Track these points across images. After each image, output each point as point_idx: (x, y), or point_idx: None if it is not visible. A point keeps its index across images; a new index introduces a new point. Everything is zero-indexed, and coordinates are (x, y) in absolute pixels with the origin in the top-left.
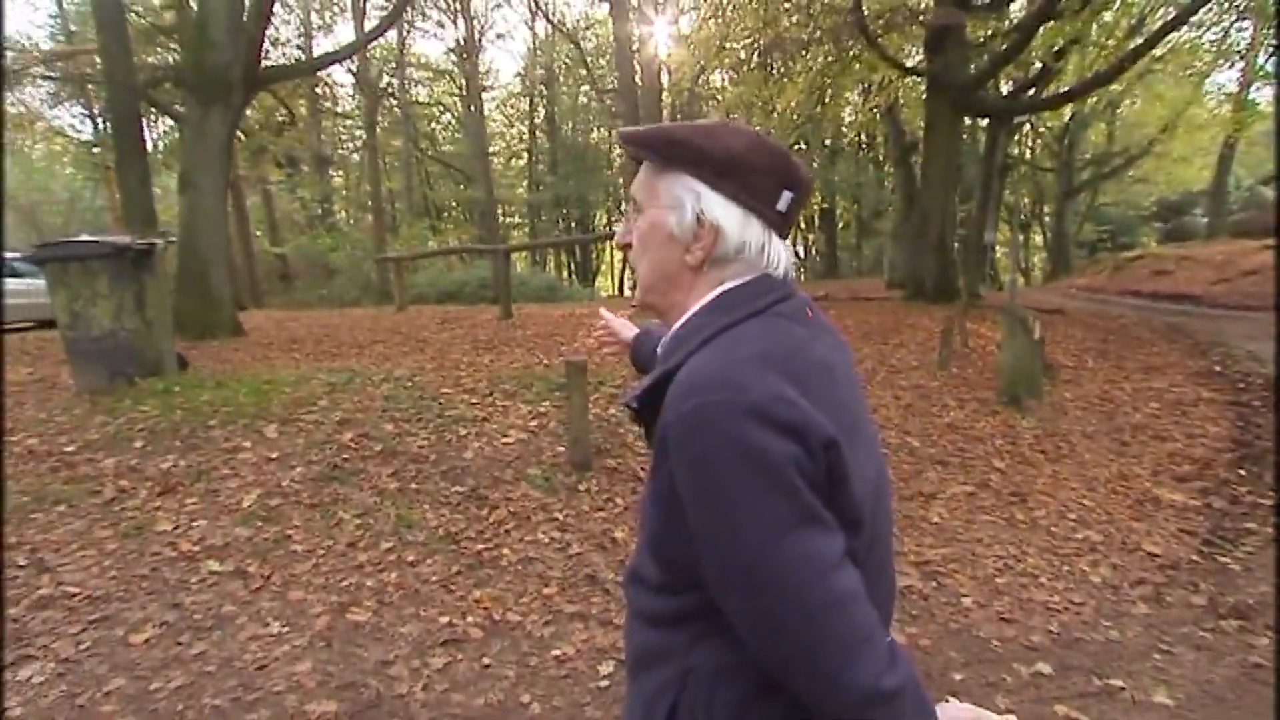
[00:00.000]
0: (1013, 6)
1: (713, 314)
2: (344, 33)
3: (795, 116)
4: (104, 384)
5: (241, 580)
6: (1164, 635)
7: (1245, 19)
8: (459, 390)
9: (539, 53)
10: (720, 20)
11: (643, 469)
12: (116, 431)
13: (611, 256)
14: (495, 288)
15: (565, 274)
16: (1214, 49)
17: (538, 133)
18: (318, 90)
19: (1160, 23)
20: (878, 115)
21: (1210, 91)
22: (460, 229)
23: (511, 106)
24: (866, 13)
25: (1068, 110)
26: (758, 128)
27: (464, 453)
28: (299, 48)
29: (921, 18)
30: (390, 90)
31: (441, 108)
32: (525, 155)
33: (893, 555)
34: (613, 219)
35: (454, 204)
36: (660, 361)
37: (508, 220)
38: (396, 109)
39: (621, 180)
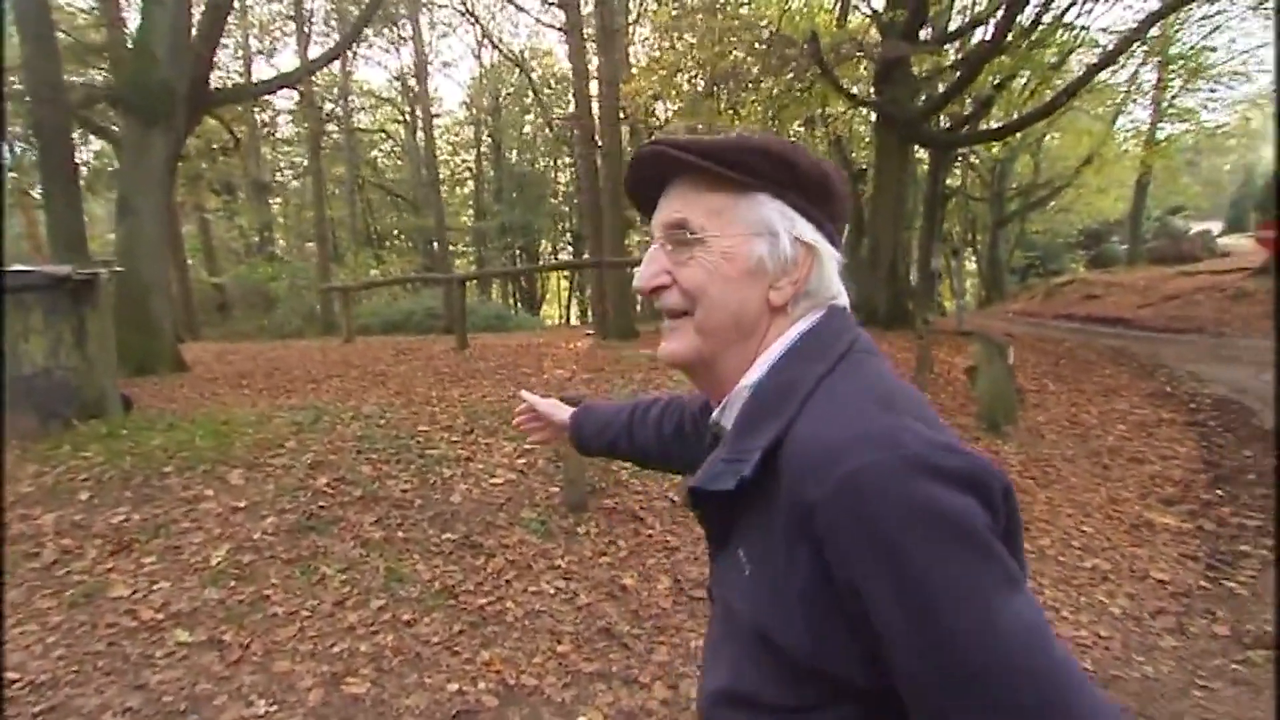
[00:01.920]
0: (953, 42)
1: (803, 363)
2: (283, 59)
3: None
4: (36, 428)
5: (216, 651)
6: (1198, 670)
7: (1151, 60)
8: (436, 428)
9: (485, 80)
10: (673, 50)
11: (641, 507)
12: (55, 483)
13: (557, 285)
14: (447, 317)
15: (512, 302)
16: (1125, 88)
17: (484, 160)
18: (258, 115)
19: (1079, 63)
20: (827, 146)
21: (1123, 128)
22: (404, 258)
23: (455, 134)
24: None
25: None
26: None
27: (451, 496)
28: (237, 72)
29: (862, 51)
30: (335, 116)
31: (384, 134)
32: (471, 183)
33: None
34: (558, 247)
35: (396, 232)
36: (741, 429)
37: (452, 248)
38: (338, 135)
39: (567, 208)
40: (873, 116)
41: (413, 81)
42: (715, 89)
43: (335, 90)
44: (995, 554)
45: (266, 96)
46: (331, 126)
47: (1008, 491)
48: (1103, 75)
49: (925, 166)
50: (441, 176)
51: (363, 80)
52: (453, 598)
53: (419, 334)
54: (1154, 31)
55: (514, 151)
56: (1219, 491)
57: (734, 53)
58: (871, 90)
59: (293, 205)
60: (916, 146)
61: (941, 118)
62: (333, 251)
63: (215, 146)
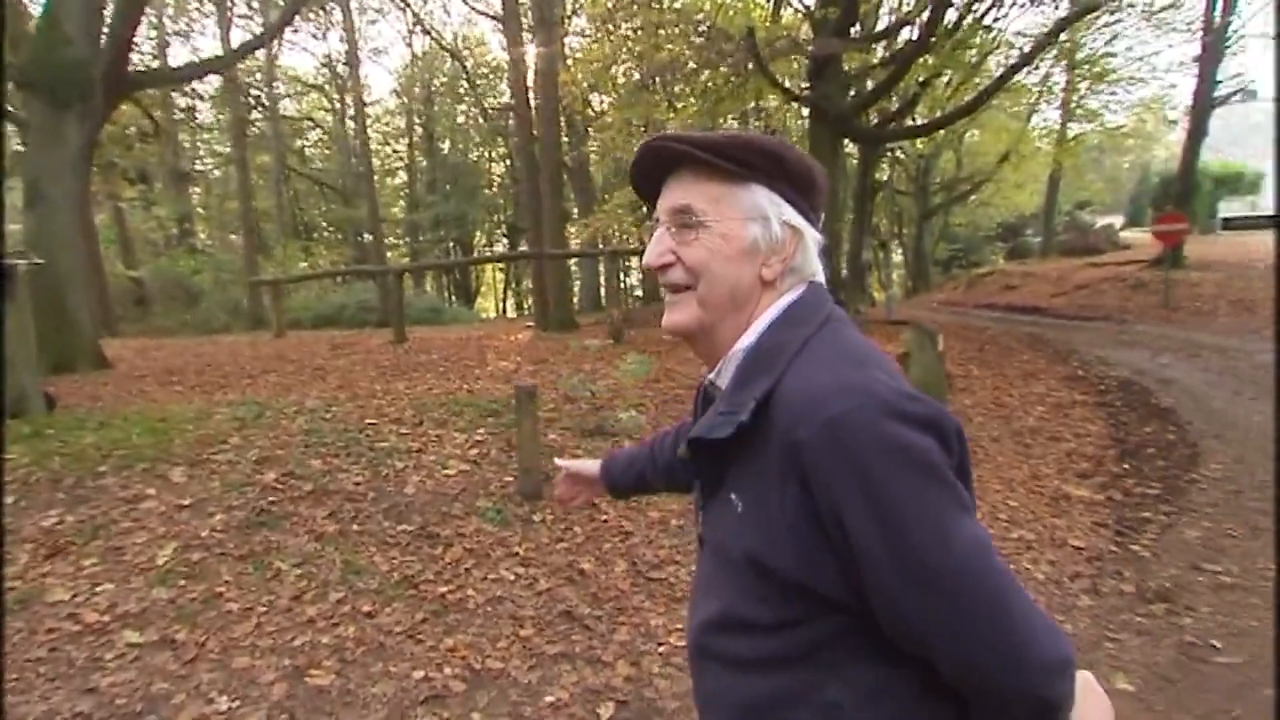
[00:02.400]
0: (882, 41)
1: (789, 328)
2: (200, 41)
3: None
4: None
5: (170, 651)
6: (1109, 624)
7: (1060, 64)
8: (385, 421)
9: (417, 69)
10: (610, 42)
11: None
12: None
13: (492, 277)
14: (381, 311)
15: (446, 295)
16: (1038, 89)
17: (416, 151)
18: (177, 101)
19: (997, 64)
20: None
21: (1037, 127)
22: (334, 250)
23: (386, 123)
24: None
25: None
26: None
27: (404, 488)
28: (150, 53)
29: (796, 48)
30: (259, 103)
31: (312, 123)
32: (403, 174)
33: None
34: (492, 239)
35: (326, 224)
36: (737, 385)
37: (384, 240)
38: (263, 123)
39: (502, 200)
40: (805, 111)
41: (342, 68)
42: (651, 81)
43: (259, 76)
44: (950, 483)
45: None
46: (256, 114)
47: (959, 434)
48: (1018, 76)
49: (854, 161)
50: (373, 167)
51: (289, 66)
52: (413, 587)
53: (353, 328)
54: (1063, 37)
55: (447, 142)
56: (1125, 465)
57: (670, 46)
58: (804, 86)
59: (215, 195)
60: (847, 141)
61: (871, 114)
62: (259, 243)
63: (131, 131)
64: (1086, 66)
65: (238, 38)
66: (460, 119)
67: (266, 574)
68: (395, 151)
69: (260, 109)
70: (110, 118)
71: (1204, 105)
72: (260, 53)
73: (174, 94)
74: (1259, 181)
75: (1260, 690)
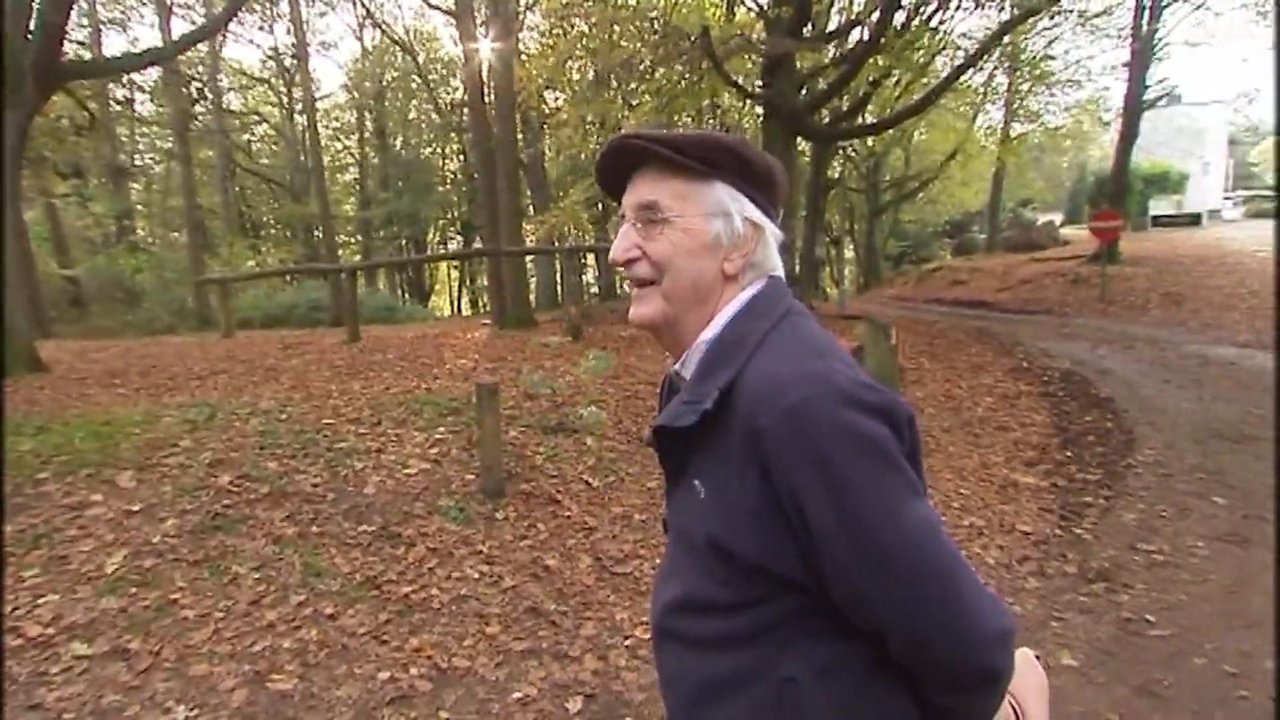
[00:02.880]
0: (834, 40)
1: (751, 321)
2: (140, 31)
3: None
4: None
5: (123, 662)
6: (1054, 604)
7: (1003, 65)
8: (342, 421)
9: (368, 63)
10: (565, 39)
11: (558, 491)
12: None
13: (447, 274)
14: (333, 310)
15: (400, 293)
16: (983, 89)
17: (367, 147)
18: (115, 92)
19: (944, 65)
20: None
21: (982, 126)
22: (283, 248)
23: (337, 118)
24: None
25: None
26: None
27: (364, 488)
28: (80, 41)
29: (750, 46)
30: (203, 96)
31: (259, 118)
32: (354, 170)
33: None
34: (446, 236)
35: (274, 221)
36: (700, 375)
37: (335, 238)
38: (207, 117)
39: (455, 197)
40: (760, 109)
41: (290, 62)
42: (607, 79)
43: (202, 69)
44: (902, 468)
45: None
46: (199, 107)
47: (911, 421)
48: (964, 77)
49: (807, 158)
50: (323, 163)
51: (234, 59)
52: (376, 588)
53: (304, 327)
54: (1005, 40)
55: (399, 137)
56: (1068, 453)
57: (625, 43)
58: (759, 84)
59: (156, 192)
60: (800, 139)
61: (823, 112)
62: (205, 241)
63: (64, 123)
64: (1028, 68)
65: (179, 28)
66: (413, 115)
67: (223, 579)
68: (346, 147)
69: (204, 102)
70: (41, 109)
71: (1134, 108)
72: (203, 44)
73: (111, 86)
74: (1184, 181)
75: (1190, 659)
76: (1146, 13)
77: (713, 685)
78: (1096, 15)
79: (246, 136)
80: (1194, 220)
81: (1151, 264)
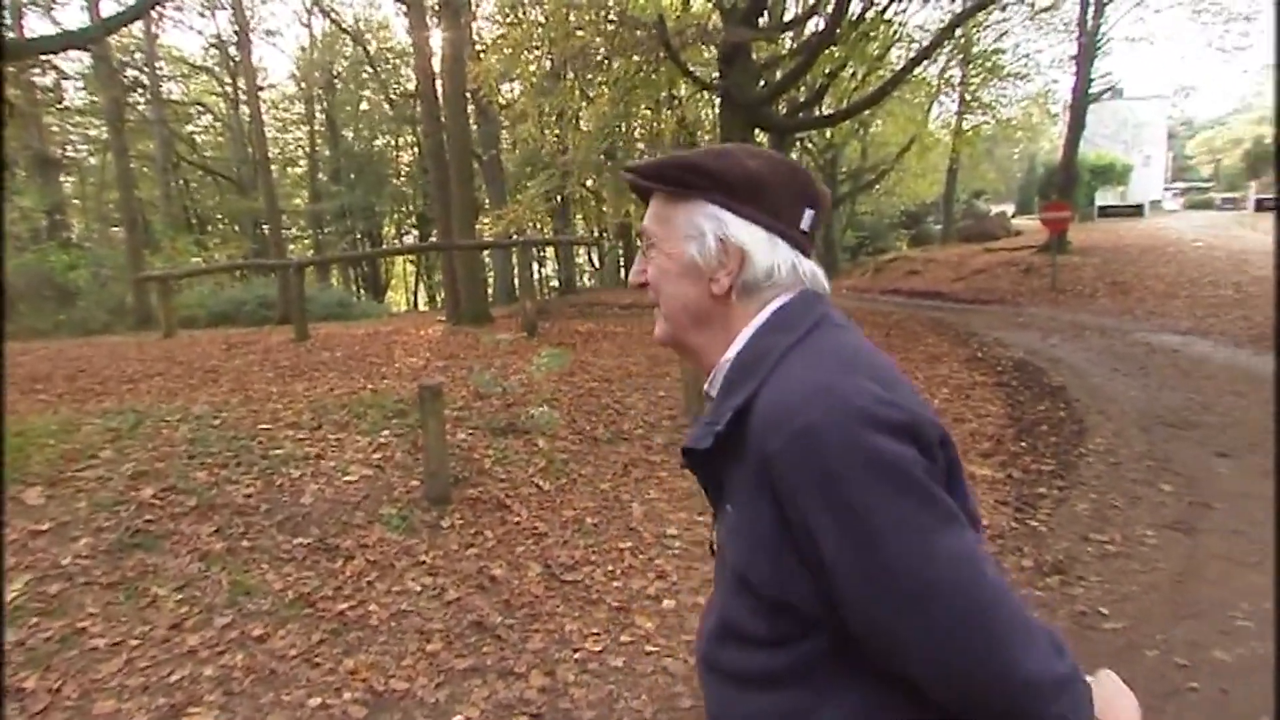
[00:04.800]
0: (790, 31)
1: (774, 335)
2: (64, 15)
3: (603, 129)
4: None
5: (15, 703)
6: None
7: (957, 58)
8: (280, 425)
9: (316, 53)
10: (520, 29)
11: (507, 495)
12: None
13: (404, 269)
14: (283, 307)
15: (355, 288)
16: (937, 82)
17: (317, 139)
18: (39, 79)
19: (899, 57)
20: (677, 129)
21: (936, 118)
22: (230, 243)
23: (285, 109)
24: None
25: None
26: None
27: (301, 497)
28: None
29: (707, 36)
30: (139, 84)
31: (201, 108)
32: (304, 162)
33: None
34: (402, 230)
35: (220, 216)
36: (722, 394)
37: (286, 233)
38: (144, 107)
39: (410, 190)
40: (718, 100)
41: (233, 50)
42: (564, 70)
43: (139, 55)
44: (929, 493)
45: (50, 56)
46: (135, 96)
47: (944, 440)
48: (918, 69)
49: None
50: (271, 155)
51: (172, 45)
52: (309, 606)
53: (252, 325)
54: (958, 33)
55: (351, 129)
56: (1022, 443)
57: (581, 33)
58: (716, 75)
59: (91, 184)
60: (758, 130)
61: (780, 103)
62: (146, 237)
63: None
64: (980, 61)
65: (109, 10)
66: (364, 106)
67: (140, 602)
68: (295, 139)
69: (140, 91)
70: None
71: (1081, 101)
72: (138, 29)
73: (35, 71)
74: (1127, 173)
75: (1142, 652)
76: (1091, 8)
77: None
78: (1045, 9)
79: (189, 128)
80: (1137, 210)
81: (1099, 254)
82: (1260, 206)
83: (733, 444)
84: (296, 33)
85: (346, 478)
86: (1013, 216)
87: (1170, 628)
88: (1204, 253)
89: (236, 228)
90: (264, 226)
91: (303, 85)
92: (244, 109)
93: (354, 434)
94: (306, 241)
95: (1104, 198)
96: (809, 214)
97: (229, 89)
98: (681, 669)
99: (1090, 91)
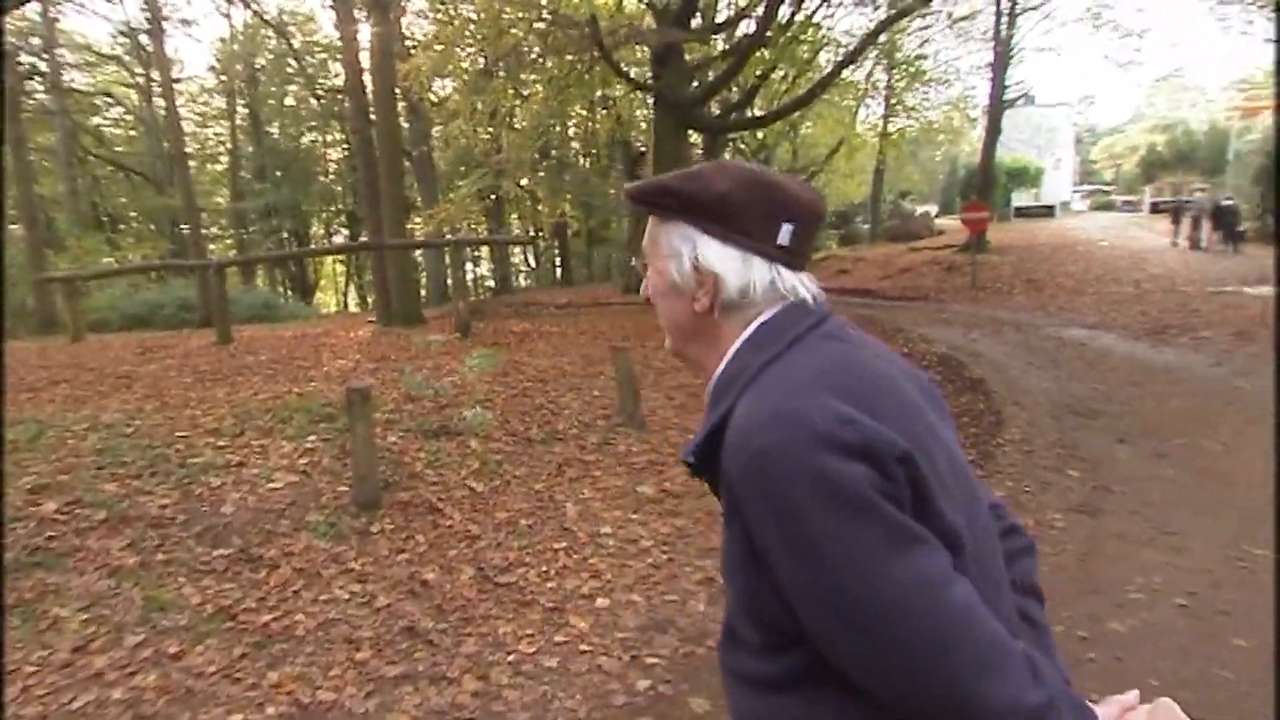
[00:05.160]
0: (722, 33)
1: (753, 352)
2: None
3: (537, 128)
4: None
5: None
6: None
7: (882, 63)
8: (199, 433)
9: (237, 45)
10: (452, 26)
11: (439, 498)
12: None
13: (333, 270)
14: (204, 309)
15: (281, 289)
16: (863, 85)
17: (240, 134)
18: None
19: (828, 61)
20: (612, 128)
21: (863, 121)
22: (146, 242)
23: (204, 103)
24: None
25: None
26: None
27: (222, 507)
28: None
29: (639, 37)
30: (37, 72)
31: (110, 99)
32: (225, 159)
33: (1002, 572)
34: (331, 229)
35: (134, 214)
36: (709, 409)
37: (206, 232)
38: (45, 96)
39: (340, 187)
40: (651, 101)
41: (145, 38)
42: (497, 68)
43: (36, 41)
44: (884, 514)
45: None
46: (32, 84)
47: (904, 458)
48: (845, 73)
49: (699, 151)
50: (190, 151)
51: (75, 31)
52: (230, 619)
53: (170, 329)
54: (883, 39)
55: (276, 125)
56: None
57: (514, 30)
58: (649, 75)
59: None
60: (692, 130)
61: (713, 104)
62: (50, 235)
63: None
64: (904, 66)
65: None
66: (290, 101)
67: (39, 625)
68: (216, 135)
69: (39, 79)
70: None
71: (997, 107)
72: (34, 12)
73: None
74: (1040, 175)
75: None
76: (1005, 18)
77: None
78: (963, 19)
79: (95, 120)
80: (1049, 211)
81: (1015, 252)
82: (1155, 209)
83: (713, 459)
84: (215, 23)
85: (271, 485)
86: (936, 217)
87: (1075, 604)
88: (1108, 252)
89: (152, 226)
90: (182, 225)
91: (223, 78)
92: (158, 101)
93: (279, 439)
94: (229, 241)
95: (1019, 199)
96: (786, 228)
97: (141, 80)
98: (616, 666)
99: (1005, 98)
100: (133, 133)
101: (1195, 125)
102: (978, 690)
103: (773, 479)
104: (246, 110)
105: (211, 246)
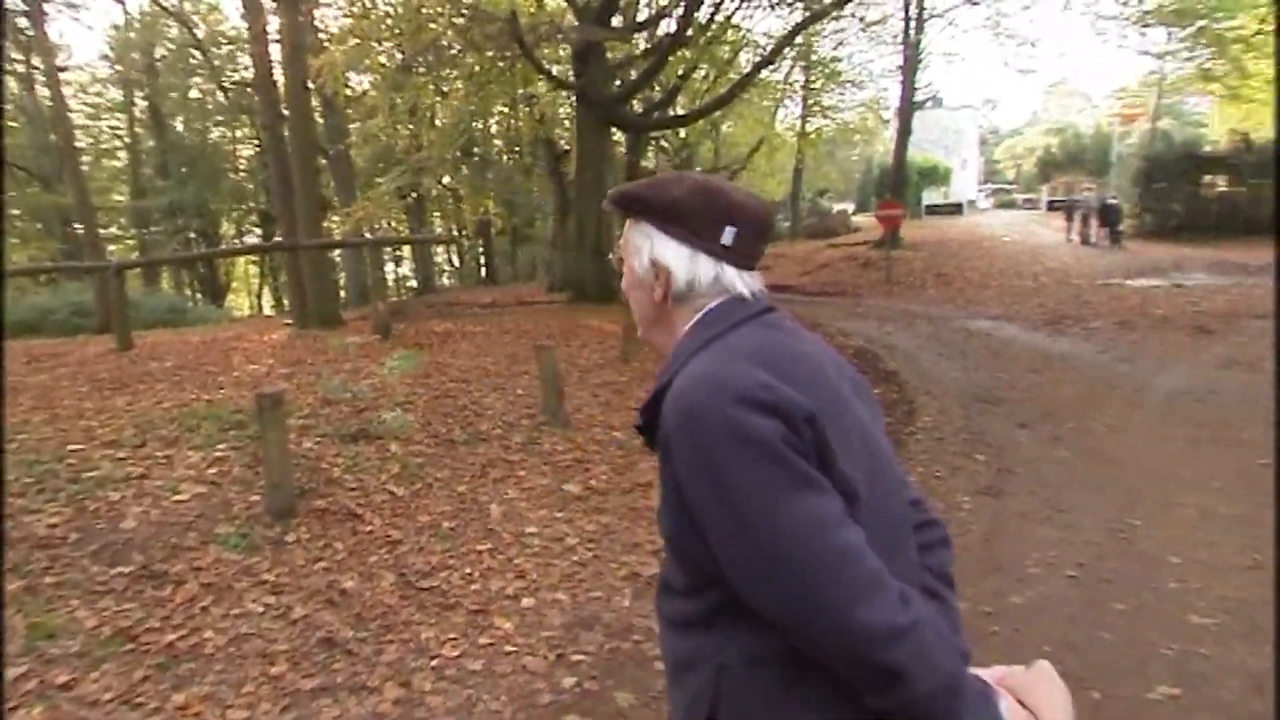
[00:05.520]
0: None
1: (698, 331)
2: None
3: (459, 125)
4: None
5: None
6: None
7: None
8: (95, 445)
9: (134, 33)
10: (368, 21)
11: (358, 504)
12: None
13: (246, 271)
14: (102, 314)
15: (189, 292)
16: (782, 86)
17: (139, 128)
18: None
19: (747, 61)
20: (534, 125)
21: (782, 120)
22: (33, 243)
23: (98, 95)
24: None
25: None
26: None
27: (121, 523)
28: None
29: (560, 34)
30: None
31: None
32: (124, 154)
33: (909, 543)
34: (242, 229)
35: (19, 212)
36: (658, 378)
37: (104, 231)
38: None
39: (251, 185)
40: (574, 99)
41: (24, 21)
42: (416, 63)
43: None
44: (788, 462)
45: None
46: None
47: (811, 419)
48: (764, 73)
49: (623, 149)
50: (82, 145)
51: None
52: (130, 641)
53: (63, 335)
54: (799, 41)
55: (180, 119)
56: None
57: (433, 25)
58: (571, 73)
59: None
60: (614, 129)
61: (636, 103)
62: None
63: None
64: (820, 68)
65: None
66: (194, 94)
67: None
68: (112, 128)
69: None
70: None
71: (907, 108)
72: None
73: None
74: (949, 175)
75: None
76: (914, 24)
77: (679, 660)
78: (875, 23)
79: None
80: (957, 209)
81: (927, 248)
82: (1051, 207)
83: (656, 418)
84: (106, 8)
85: (177, 497)
86: (853, 214)
87: (980, 582)
88: (1010, 247)
89: (40, 225)
90: (75, 225)
91: (118, 68)
92: (43, 91)
93: (185, 449)
94: (130, 241)
95: (930, 197)
96: (729, 231)
97: (20, 67)
98: (542, 666)
99: (915, 100)
100: (14, 124)
101: (1084, 129)
102: (855, 614)
103: (697, 428)
104: (146, 103)
105: (111, 248)
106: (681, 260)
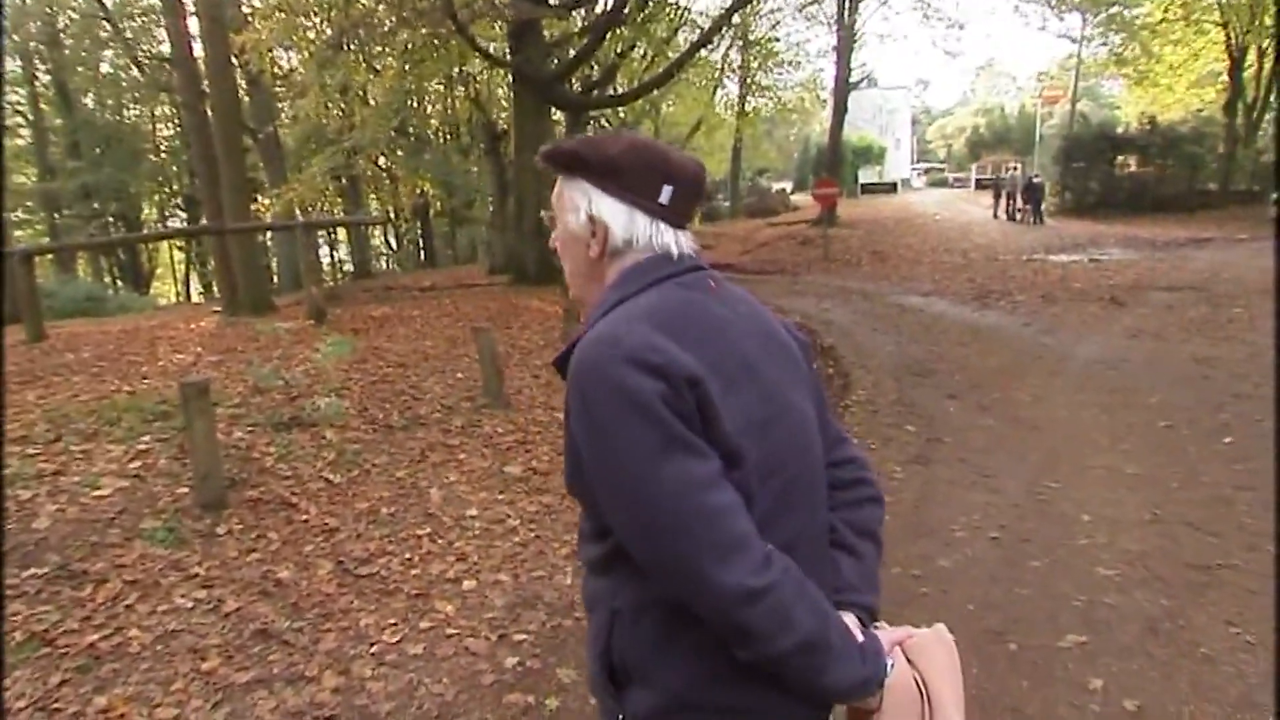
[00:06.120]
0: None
1: (614, 290)
2: None
3: (392, 104)
4: None
5: None
6: None
7: (737, 44)
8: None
9: (29, 1)
10: None
11: (293, 493)
12: None
13: (171, 257)
14: (9, 303)
15: (109, 280)
16: (720, 65)
17: (44, 105)
18: None
19: (685, 40)
20: (471, 105)
21: (721, 100)
22: None
23: None
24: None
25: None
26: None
27: (34, 522)
28: None
29: (494, 10)
30: None
31: None
32: (27, 133)
33: (814, 500)
34: (166, 212)
35: None
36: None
37: (8, 215)
38: None
39: (175, 167)
40: (511, 77)
41: None
42: (346, 39)
43: None
44: (665, 423)
45: None
46: None
47: (693, 381)
48: (702, 53)
49: (562, 129)
50: None
51: None
52: (47, 644)
53: None
54: (736, 20)
55: (91, 96)
56: None
57: (363, 1)
58: (507, 51)
59: None
60: (553, 108)
61: (574, 81)
62: None
63: None
64: (757, 47)
65: None
66: (106, 69)
67: None
68: (13, 105)
69: None
70: None
71: (843, 88)
72: None
73: None
74: (883, 154)
75: (888, 570)
76: (848, 4)
77: (587, 599)
78: (810, 3)
79: None
80: (892, 188)
81: (862, 226)
82: (979, 185)
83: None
84: None
85: (97, 493)
86: (792, 193)
87: (909, 546)
88: (942, 224)
89: None
90: None
91: (14, 38)
92: None
93: (105, 443)
94: (40, 227)
95: (865, 176)
96: (667, 189)
97: None
98: (484, 647)
99: (850, 80)
100: None
101: (1010, 110)
102: (710, 575)
103: (587, 386)
104: (51, 78)
105: (17, 233)
106: (619, 216)
